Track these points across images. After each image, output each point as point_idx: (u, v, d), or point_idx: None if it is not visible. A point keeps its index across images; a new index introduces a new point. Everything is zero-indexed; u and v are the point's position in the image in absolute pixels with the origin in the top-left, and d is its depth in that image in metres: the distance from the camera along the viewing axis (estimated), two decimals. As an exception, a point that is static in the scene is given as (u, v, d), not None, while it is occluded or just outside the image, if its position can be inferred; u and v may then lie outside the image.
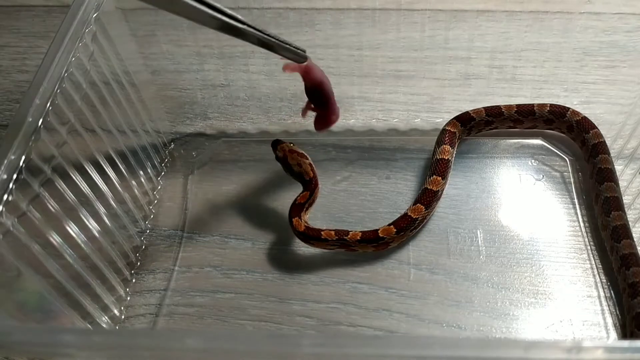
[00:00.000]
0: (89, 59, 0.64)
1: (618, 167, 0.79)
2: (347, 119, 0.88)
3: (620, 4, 0.85)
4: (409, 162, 0.83)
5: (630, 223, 0.73)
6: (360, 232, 0.73)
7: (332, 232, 0.72)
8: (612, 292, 0.70)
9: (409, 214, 0.74)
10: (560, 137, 0.84)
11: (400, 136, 0.87)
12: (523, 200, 0.79)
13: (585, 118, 0.81)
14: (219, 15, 0.52)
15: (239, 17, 0.54)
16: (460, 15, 0.83)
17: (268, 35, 0.58)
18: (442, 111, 0.87)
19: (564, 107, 0.82)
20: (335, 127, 0.87)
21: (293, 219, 0.73)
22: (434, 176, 0.78)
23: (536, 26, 0.81)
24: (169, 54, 0.84)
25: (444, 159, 0.79)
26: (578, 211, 0.77)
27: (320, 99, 0.71)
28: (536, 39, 0.82)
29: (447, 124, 0.82)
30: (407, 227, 0.73)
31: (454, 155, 0.82)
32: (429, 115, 0.87)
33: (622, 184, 0.77)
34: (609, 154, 0.78)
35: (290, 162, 0.76)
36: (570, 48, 0.83)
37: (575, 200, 0.78)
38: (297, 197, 0.75)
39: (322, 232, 0.72)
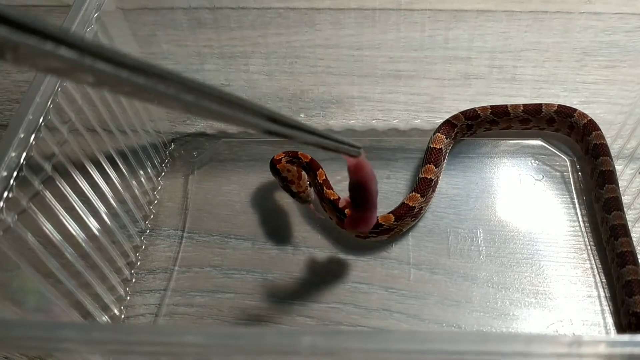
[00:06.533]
0: (90, 59, 0.64)
1: (618, 167, 0.79)
2: (347, 119, 0.88)
3: (620, 4, 0.85)
4: (409, 162, 0.83)
5: (630, 223, 0.73)
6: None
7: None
8: (612, 292, 0.70)
9: (406, 202, 0.75)
10: (561, 137, 0.84)
11: (400, 136, 0.87)
12: (523, 201, 0.79)
13: (591, 120, 0.81)
14: (269, 124, 0.43)
15: (290, 121, 0.45)
16: (460, 15, 0.83)
17: (321, 135, 0.50)
18: (442, 111, 0.87)
19: (572, 108, 0.82)
20: (335, 127, 0.88)
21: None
22: (427, 165, 0.78)
23: (536, 26, 0.81)
24: (169, 54, 0.84)
25: (436, 148, 0.79)
26: (578, 211, 0.77)
27: (360, 200, 0.64)
28: (536, 39, 0.82)
29: (451, 117, 0.83)
30: (403, 216, 0.74)
31: (449, 147, 0.82)
32: (429, 115, 0.87)
33: (622, 183, 0.77)
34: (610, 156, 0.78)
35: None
36: (570, 48, 0.83)
37: (575, 200, 0.78)
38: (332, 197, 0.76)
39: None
